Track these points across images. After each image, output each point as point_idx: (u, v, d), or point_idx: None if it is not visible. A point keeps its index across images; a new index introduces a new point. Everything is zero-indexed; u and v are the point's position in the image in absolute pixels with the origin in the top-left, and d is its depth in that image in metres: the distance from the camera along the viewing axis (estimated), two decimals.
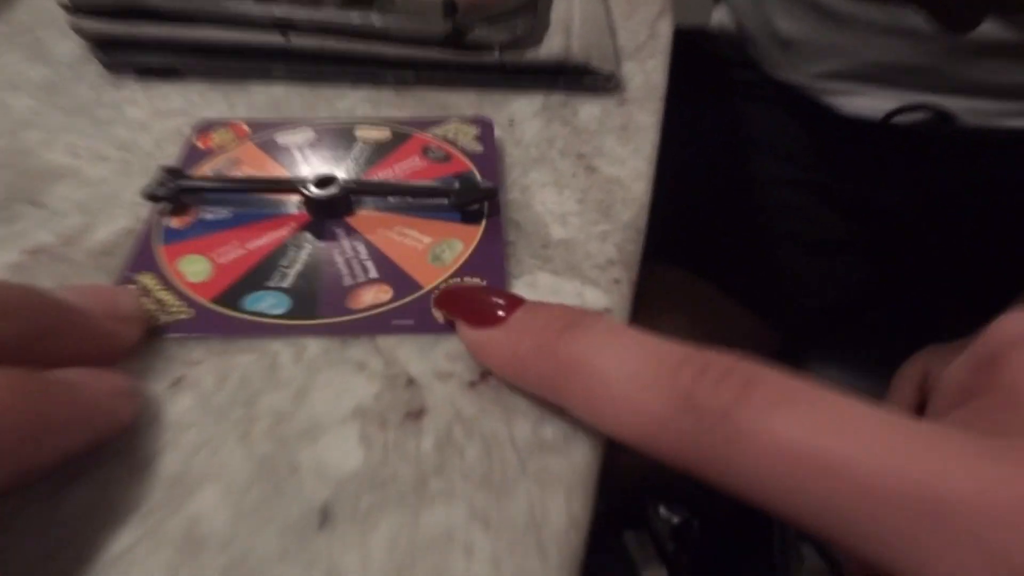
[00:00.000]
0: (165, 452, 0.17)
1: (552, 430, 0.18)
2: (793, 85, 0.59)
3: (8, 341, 0.16)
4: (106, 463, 0.17)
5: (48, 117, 0.30)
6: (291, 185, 0.25)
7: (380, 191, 0.26)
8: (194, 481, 0.17)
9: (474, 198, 0.25)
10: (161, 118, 0.30)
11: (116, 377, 0.18)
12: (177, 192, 0.24)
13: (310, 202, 0.24)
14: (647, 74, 0.34)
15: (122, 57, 0.33)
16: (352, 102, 0.32)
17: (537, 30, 0.33)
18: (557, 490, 0.17)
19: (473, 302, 0.19)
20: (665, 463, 0.14)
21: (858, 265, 0.62)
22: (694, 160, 0.62)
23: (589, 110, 0.32)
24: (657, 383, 0.14)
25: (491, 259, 0.23)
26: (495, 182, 0.26)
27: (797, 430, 0.12)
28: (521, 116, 0.31)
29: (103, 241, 0.24)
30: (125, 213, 0.25)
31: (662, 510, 0.78)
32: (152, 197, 0.24)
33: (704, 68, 0.65)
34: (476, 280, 0.22)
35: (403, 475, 0.17)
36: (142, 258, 0.23)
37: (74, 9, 0.32)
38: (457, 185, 0.25)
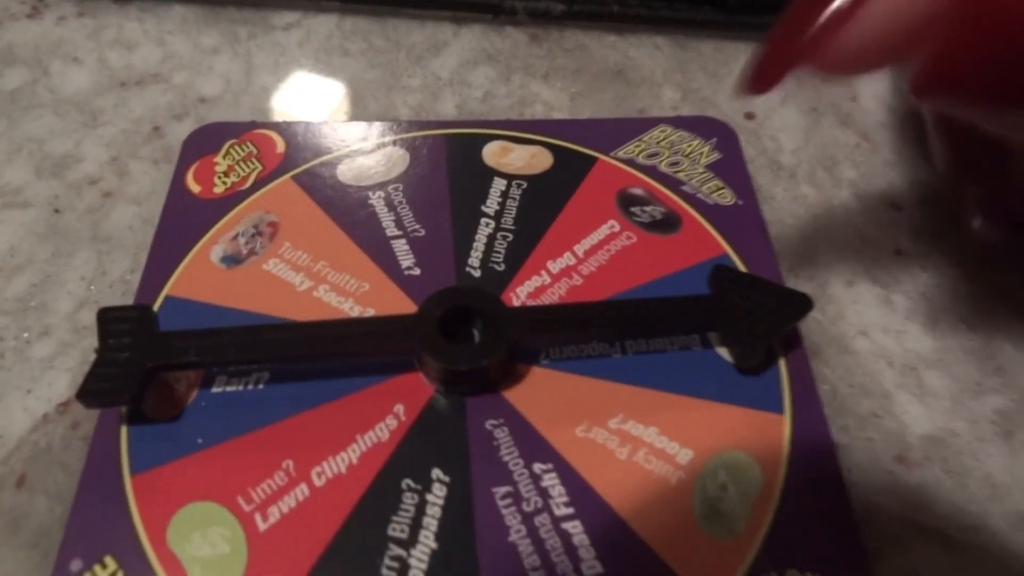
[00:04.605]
0: None
1: None
2: None
3: None
4: None
5: None
6: (390, 339, 0.12)
7: (573, 328, 0.13)
8: None
9: (774, 330, 0.12)
10: (121, 88, 0.16)
11: None
12: (145, 377, 0.11)
13: (439, 370, 0.12)
14: None
15: None
16: (457, 56, 0.18)
17: None
18: None
19: None
20: None
21: None
22: None
23: (869, 82, 0.18)
24: None
25: (820, 509, 0.11)
26: (775, 271, 0.13)
27: None
28: (764, 98, 0.17)
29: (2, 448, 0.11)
30: (50, 356, 0.12)
31: None
32: (96, 400, 0.11)
33: None
34: None
35: None
36: (90, 518, 0.11)
37: None
38: (720, 288, 0.12)
